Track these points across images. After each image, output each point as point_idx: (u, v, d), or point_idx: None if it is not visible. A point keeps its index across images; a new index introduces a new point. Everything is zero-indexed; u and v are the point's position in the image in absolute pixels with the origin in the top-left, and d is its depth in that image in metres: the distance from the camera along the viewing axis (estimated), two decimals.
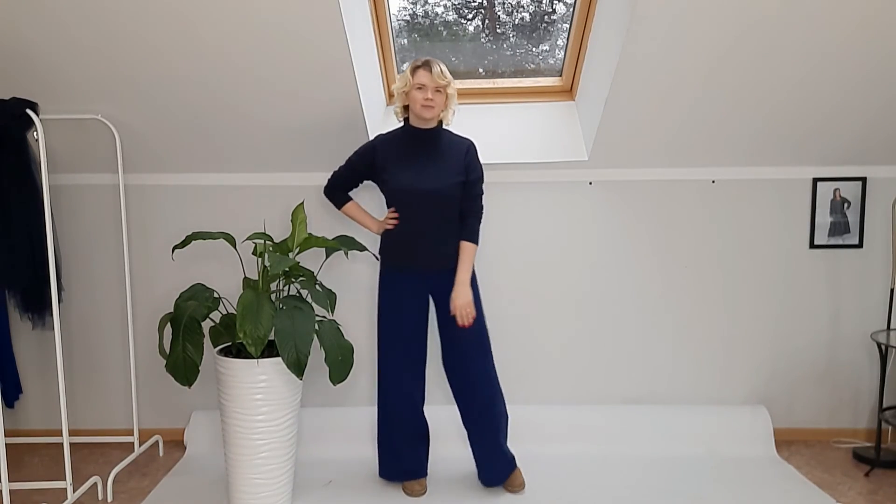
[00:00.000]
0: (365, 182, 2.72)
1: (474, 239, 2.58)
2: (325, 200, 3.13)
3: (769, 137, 2.97)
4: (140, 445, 3.06)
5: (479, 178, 2.60)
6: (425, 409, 2.74)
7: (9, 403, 3.17)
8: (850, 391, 3.26)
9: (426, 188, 2.50)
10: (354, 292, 3.16)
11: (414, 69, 2.51)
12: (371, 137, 2.94)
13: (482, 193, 2.61)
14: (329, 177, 2.72)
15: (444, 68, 2.50)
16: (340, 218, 3.13)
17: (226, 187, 3.17)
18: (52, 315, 2.59)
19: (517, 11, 3.24)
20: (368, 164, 2.61)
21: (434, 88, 2.48)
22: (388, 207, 2.63)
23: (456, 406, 2.70)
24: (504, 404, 2.70)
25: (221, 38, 2.50)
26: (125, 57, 2.59)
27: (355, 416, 3.14)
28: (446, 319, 2.60)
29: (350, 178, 2.69)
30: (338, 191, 2.73)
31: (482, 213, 2.62)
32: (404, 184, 2.52)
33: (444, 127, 2.62)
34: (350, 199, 2.74)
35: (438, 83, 2.47)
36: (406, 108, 2.59)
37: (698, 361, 3.24)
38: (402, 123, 2.63)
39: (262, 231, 2.76)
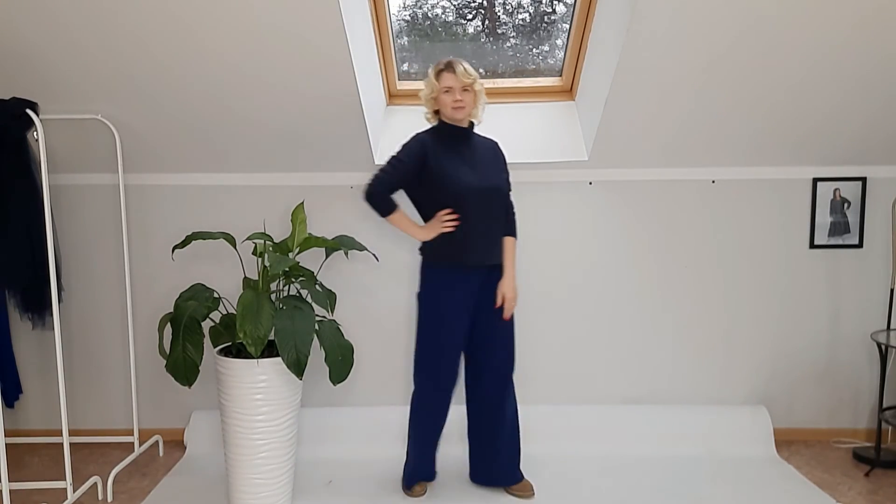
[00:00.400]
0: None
1: (516, 234, 2.65)
2: (326, 200, 3.14)
3: (769, 137, 2.97)
4: (140, 445, 3.06)
5: (508, 178, 2.66)
6: None
7: (9, 403, 3.17)
8: (850, 391, 3.26)
9: (485, 185, 2.50)
10: (354, 292, 3.16)
11: (438, 73, 2.49)
12: (371, 137, 2.95)
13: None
14: (370, 181, 2.46)
15: (468, 66, 2.48)
16: (340, 218, 3.13)
17: (226, 187, 3.17)
18: (52, 315, 2.59)
19: (517, 11, 3.24)
20: (420, 163, 2.48)
21: (461, 88, 2.46)
22: (436, 209, 2.50)
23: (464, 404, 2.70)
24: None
25: (221, 38, 2.50)
26: (125, 57, 2.59)
27: (355, 416, 3.14)
28: (487, 312, 2.56)
29: (399, 181, 2.50)
30: (386, 195, 2.48)
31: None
32: (465, 182, 2.46)
33: (474, 125, 2.61)
34: (397, 205, 2.51)
35: (464, 82, 2.45)
36: (436, 112, 2.57)
37: (698, 361, 3.24)
38: (433, 123, 2.59)
39: (262, 231, 2.76)
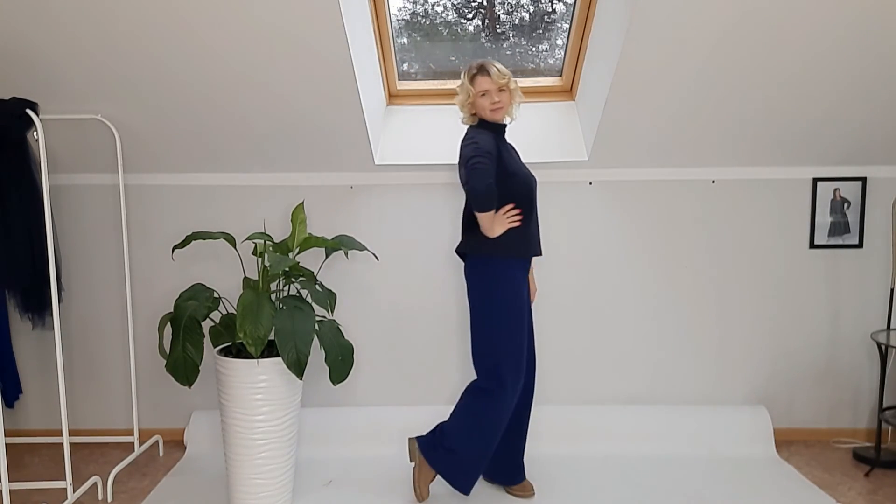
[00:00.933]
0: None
1: None
2: (326, 200, 3.14)
3: (769, 137, 2.97)
4: (140, 445, 3.06)
5: None
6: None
7: (9, 403, 3.17)
8: (850, 391, 3.26)
9: (536, 181, 2.59)
10: (354, 292, 3.16)
11: (472, 77, 2.48)
12: (371, 138, 2.95)
13: None
14: (481, 175, 2.33)
15: (500, 66, 2.47)
16: (340, 218, 3.13)
17: (226, 187, 3.17)
18: (52, 315, 2.59)
19: (517, 11, 3.24)
20: (498, 156, 2.45)
21: (497, 89, 2.46)
22: (503, 204, 2.45)
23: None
24: None
25: (221, 38, 2.50)
26: (125, 57, 2.58)
27: (355, 416, 3.14)
28: (529, 305, 2.63)
29: (494, 172, 2.41)
30: (494, 188, 2.38)
31: None
32: (527, 176, 2.54)
33: (509, 123, 2.62)
34: None
35: (500, 83, 2.45)
36: (472, 114, 2.56)
37: (698, 361, 3.24)
38: (472, 124, 2.57)
39: (262, 231, 2.76)
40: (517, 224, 2.49)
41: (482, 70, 2.46)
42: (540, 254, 2.60)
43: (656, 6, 2.37)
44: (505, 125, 2.58)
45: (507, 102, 2.50)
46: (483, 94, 2.46)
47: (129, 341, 3.01)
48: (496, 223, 2.45)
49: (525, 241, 2.54)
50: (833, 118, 2.87)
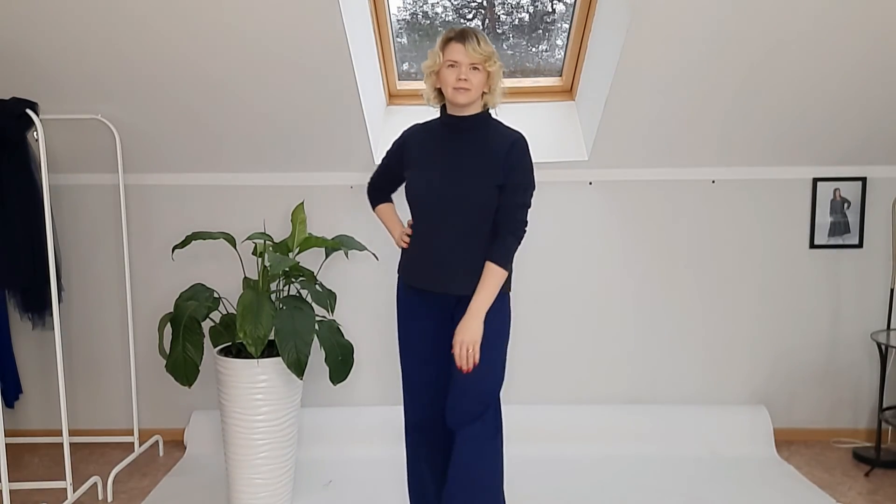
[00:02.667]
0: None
1: (504, 262, 1.98)
2: (326, 200, 3.14)
3: (769, 137, 2.97)
4: (140, 445, 3.06)
5: (523, 185, 2.01)
6: None
7: (9, 403, 3.17)
8: (850, 391, 3.26)
9: (448, 193, 2.00)
10: (354, 292, 3.16)
11: (445, 42, 1.98)
12: (371, 137, 2.94)
13: (526, 205, 2.03)
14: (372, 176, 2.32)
15: (484, 40, 1.97)
16: (340, 218, 3.13)
17: (226, 187, 3.17)
18: (52, 315, 2.59)
19: (517, 11, 3.24)
20: (398, 161, 2.16)
21: (470, 65, 1.95)
22: (412, 217, 2.16)
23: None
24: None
25: (222, 37, 2.50)
26: (125, 57, 2.58)
27: (355, 416, 3.14)
28: (449, 350, 2.02)
29: (385, 178, 2.27)
30: (374, 190, 2.32)
31: (523, 231, 2.03)
32: (423, 187, 2.05)
33: (491, 115, 2.08)
34: (387, 200, 2.33)
35: (474, 59, 1.95)
36: (440, 92, 2.07)
37: (698, 361, 3.24)
38: (438, 113, 2.14)
39: (262, 231, 2.76)
40: (405, 244, 2.17)
41: (460, 37, 1.96)
42: (439, 292, 2.05)
43: (656, 6, 2.37)
44: (470, 117, 2.04)
45: (476, 85, 1.97)
46: (451, 66, 1.97)
47: (129, 341, 3.01)
48: (399, 236, 2.21)
49: (409, 266, 2.14)
50: (833, 118, 2.87)
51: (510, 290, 2.11)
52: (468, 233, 2.01)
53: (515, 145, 2.01)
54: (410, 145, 2.14)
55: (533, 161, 2.04)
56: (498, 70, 2.01)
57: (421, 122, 2.20)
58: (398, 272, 2.22)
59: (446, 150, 2.06)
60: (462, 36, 1.96)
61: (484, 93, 2.03)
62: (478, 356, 1.96)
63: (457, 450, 2.02)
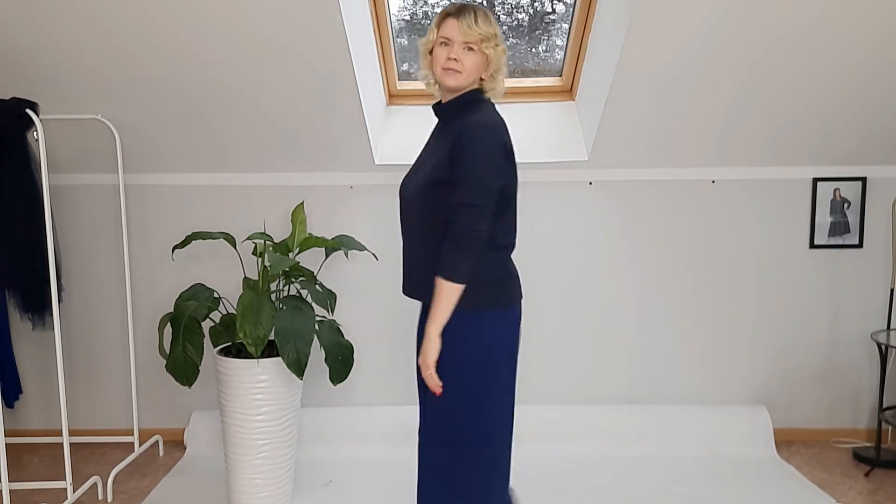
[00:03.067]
0: None
1: (448, 273, 1.66)
2: (326, 200, 3.14)
3: (769, 137, 2.97)
4: (140, 445, 3.06)
5: (466, 181, 1.67)
6: None
7: (9, 403, 3.17)
8: (850, 391, 3.26)
9: (404, 194, 1.86)
10: (354, 292, 3.16)
11: (443, 17, 1.77)
12: (371, 137, 2.94)
13: (470, 205, 1.67)
14: None
15: (485, 18, 1.74)
16: (340, 218, 3.13)
17: (226, 187, 3.17)
18: (52, 315, 2.59)
19: (516, 11, 3.24)
20: None
21: (464, 45, 1.73)
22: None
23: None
24: None
25: (222, 37, 2.50)
26: (125, 57, 2.58)
27: (355, 416, 3.14)
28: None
29: None
30: None
31: (469, 238, 1.67)
32: (401, 185, 1.91)
33: (482, 100, 1.82)
34: None
35: (469, 37, 1.72)
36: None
37: (698, 361, 3.24)
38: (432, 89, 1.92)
39: (262, 231, 2.76)
40: None
41: (457, 12, 1.74)
42: (410, 295, 1.87)
43: (656, 6, 2.37)
44: (449, 103, 1.82)
45: (470, 68, 1.74)
46: (444, 44, 1.74)
47: (129, 341, 3.01)
48: None
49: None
50: (833, 118, 2.87)
51: (486, 306, 1.75)
52: (422, 238, 1.81)
53: (463, 132, 1.70)
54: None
55: (494, 153, 1.72)
56: (499, 54, 1.78)
57: None
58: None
59: (427, 144, 1.91)
60: (459, 11, 1.74)
61: (482, 80, 1.81)
62: (437, 382, 1.71)
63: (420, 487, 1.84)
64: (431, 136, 1.92)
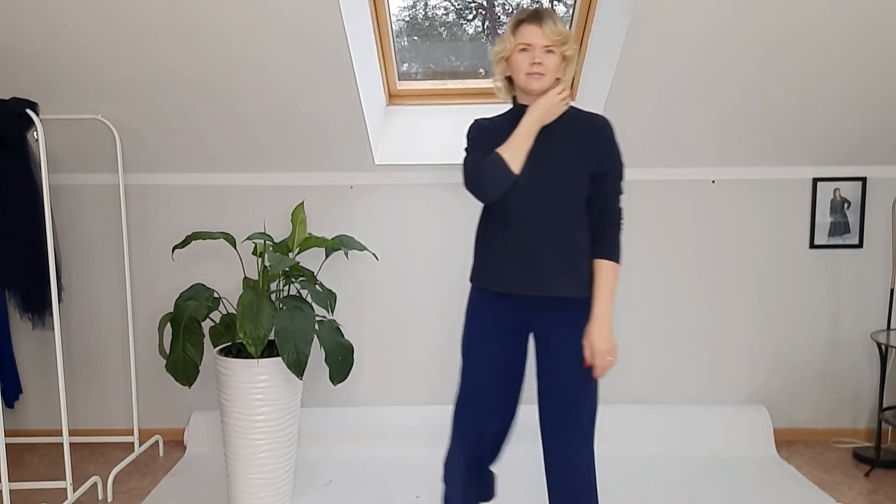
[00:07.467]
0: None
1: (619, 257, 1.90)
2: (326, 200, 3.14)
3: (769, 137, 2.97)
4: (140, 445, 3.06)
5: (620, 173, 1.91)
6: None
7: (9, 403, 3.17)
8: (850, 391, 3.26)
9: (535, 188, 1.86)
10: (354, 292, 3.16)
11: (517, 24, 1.84)
12: (371, 138, 2.94)
13: (622, 193, 1.92)
14: (465, 170, 1.94)
15: (560, 21, 1.84)
16: (340, 218, 3.13)
17: (226, 187, 3.17)
18: (52, 315, 2.59)
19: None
20: (486, 141, 1.95)
21: (544, 49, 1.81)
22: (485, 224, 1.99)
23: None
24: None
25: (222, 38, 2.50)
26: (125, 57, 2.59)
27: (355, 416, 3.14)
28: (546, 365, 2.01)
29: (484, 153, 1.93)
30: (484, 160, 1.89)
31: (623, 221, 1.93)
32: (520, 185, 1.89)
33: (563, 107, 1.91)
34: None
35: (552, 40, 1.81)
36: (510, 80, 1.93)
37: (699, 361, 3.24)
38: (506, 97, 1.99)
39: (262, 231, 2.76)
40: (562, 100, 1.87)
41: (534, 17, 1.81)
42: (524, 294, 1.89)
43: (656, 6, 2.37)
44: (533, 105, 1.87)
45: (552, 70, 1.83)
46: (523, 50, 1.82)
47: (129, 341, 3.01)
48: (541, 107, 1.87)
49: (489, 268, 1.94)
50: (833, 118, 2.87)
51: (591, 295, 1.94)
52: (560, 229, 1.87)
53: (605, 130, 1.90)
54: (481, 142, 1.93)
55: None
56: (575, 55, 1.88)
57: (484, 117, 2.02)
58: (472, 274, 2.01)
59: (537, 143, 1.90)
60: (536, 16, 1.82)
61: (557, 78, 1.89)
62: (615, 362, 1.98)
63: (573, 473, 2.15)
64: (537, 138, 1.88)
